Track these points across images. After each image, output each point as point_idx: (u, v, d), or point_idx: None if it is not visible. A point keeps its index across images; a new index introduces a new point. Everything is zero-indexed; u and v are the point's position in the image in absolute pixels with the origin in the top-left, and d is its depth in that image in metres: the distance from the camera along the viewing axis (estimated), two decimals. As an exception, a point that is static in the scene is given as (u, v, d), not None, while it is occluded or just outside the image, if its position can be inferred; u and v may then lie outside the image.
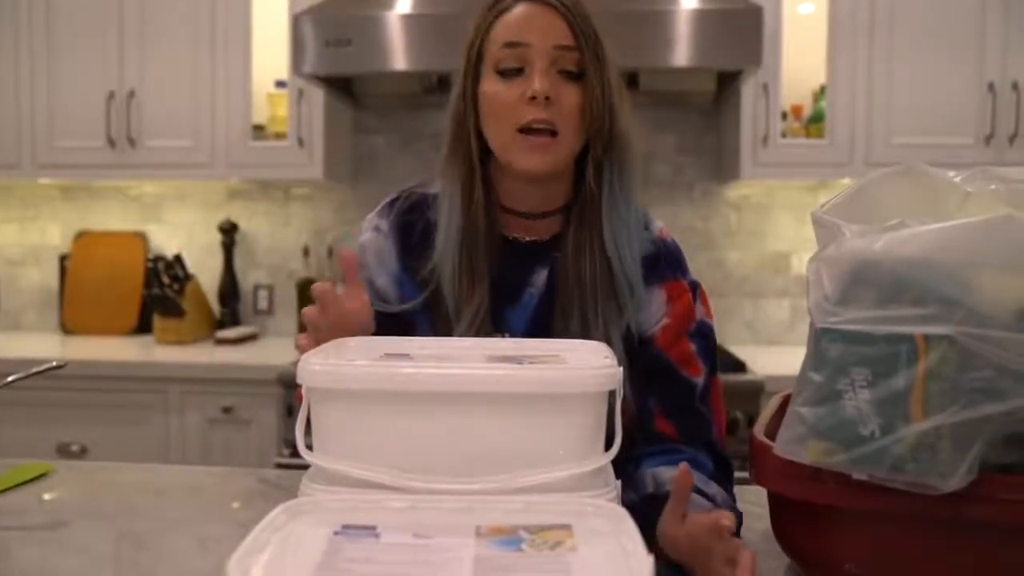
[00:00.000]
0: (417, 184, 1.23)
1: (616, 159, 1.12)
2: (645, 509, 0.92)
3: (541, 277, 1.14)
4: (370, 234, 1.19)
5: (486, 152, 1.14)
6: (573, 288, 1.10)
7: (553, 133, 1.08)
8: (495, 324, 1.11)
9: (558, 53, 1.08)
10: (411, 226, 1.17)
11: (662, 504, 0.94)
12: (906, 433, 0.70)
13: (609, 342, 1.06)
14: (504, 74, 1.09)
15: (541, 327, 1.12)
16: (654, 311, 1.13)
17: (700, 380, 1.12)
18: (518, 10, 1.09)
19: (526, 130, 1.07)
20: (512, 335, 1.11)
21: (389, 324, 1.12)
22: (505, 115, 1.08)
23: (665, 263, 1.16)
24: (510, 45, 1.08)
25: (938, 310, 0.70)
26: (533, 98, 1.06)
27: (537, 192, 1.15)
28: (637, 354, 1.12)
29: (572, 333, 1.08)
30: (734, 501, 1.06)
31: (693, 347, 1.13)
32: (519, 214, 1.16)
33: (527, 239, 1.17)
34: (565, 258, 1.12)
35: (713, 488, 1.01)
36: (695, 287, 1.17)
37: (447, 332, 1.10)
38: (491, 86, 1.10)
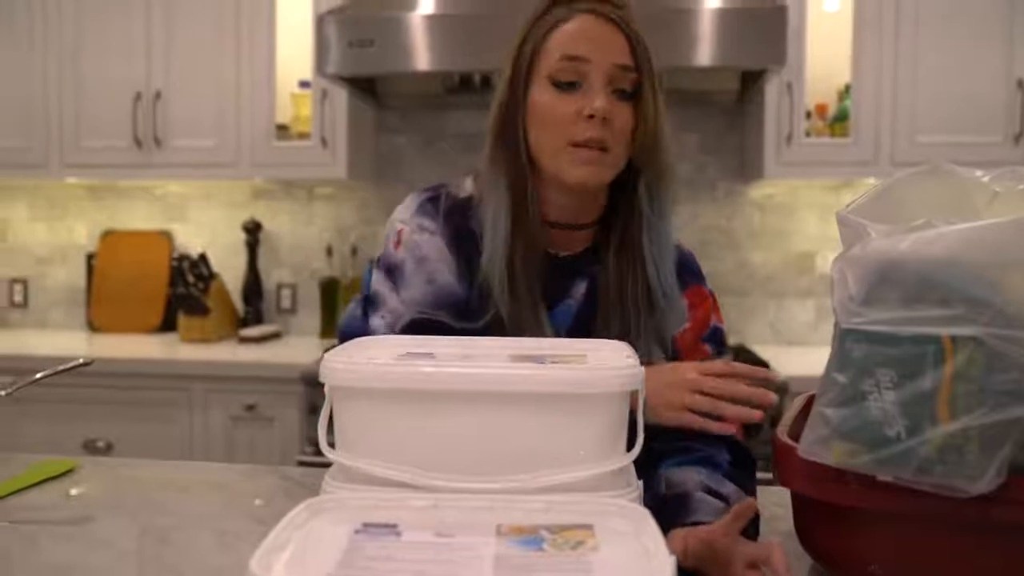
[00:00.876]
0: (442, 184, 1.19)
1: (661, 177, 1.13)
2: (656, 509, 0.92)
3: (580, 290, 1.14)
4: (423, 235, 1.14)
5: (531, 159, 1.12)
6: (615, 307, 1.11)
7: (604, 148, 1.07)
8: None
9: (616, 72, 1.07)
10: (462, 233, 1.14)
11: (672, 506, 0.94)
12: (933, 435, 0.69)
13: (649, 353, 1.09)
14: (559, 86, 1.08)
15: (579, 337, 1.11)
16: (679, 316, 1.15)
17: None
18: (579, 22, 1.08)
19: (577, 144, 1.07)
20: None
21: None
22: (559, 129, 1.07)
23: (687, 271, 1.18)
24: (569, 58, 1.07)
25: (965, 311, 0.69)
26: (591, 116, 1.06)
27: (573, 204, 1.14)
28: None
29: None
30: (754, 493, 1.05)
31: (709, 350, 1.15)
32: (553, 225, 1.14)
33: (563, 254, 1.16)
34: (606, 275, 1.13)
35: (728, 488, 1.00)
36: (712, 294, 1.20)
37: None
38: (545, 96, 1.08)
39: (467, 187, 1.18)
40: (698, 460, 1.04)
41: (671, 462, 1.04)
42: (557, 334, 1.12)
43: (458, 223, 1.14)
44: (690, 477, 1.00)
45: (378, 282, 1.15)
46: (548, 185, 1.12)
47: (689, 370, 1.01)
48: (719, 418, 1.00)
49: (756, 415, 0.98)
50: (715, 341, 1.16)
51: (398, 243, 1.15)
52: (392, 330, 1.11)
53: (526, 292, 1.09)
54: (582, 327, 1.13)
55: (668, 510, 0.94)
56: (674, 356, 1.13)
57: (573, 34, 1.07)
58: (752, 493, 1.05)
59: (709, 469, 1.02)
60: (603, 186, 1.12)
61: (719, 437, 1.06)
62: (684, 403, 0.99)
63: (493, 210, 1.11)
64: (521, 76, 1.10)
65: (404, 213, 1.17)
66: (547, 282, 1.12)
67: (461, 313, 1.10)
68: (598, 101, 1.05)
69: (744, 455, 1.08)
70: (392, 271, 1.14)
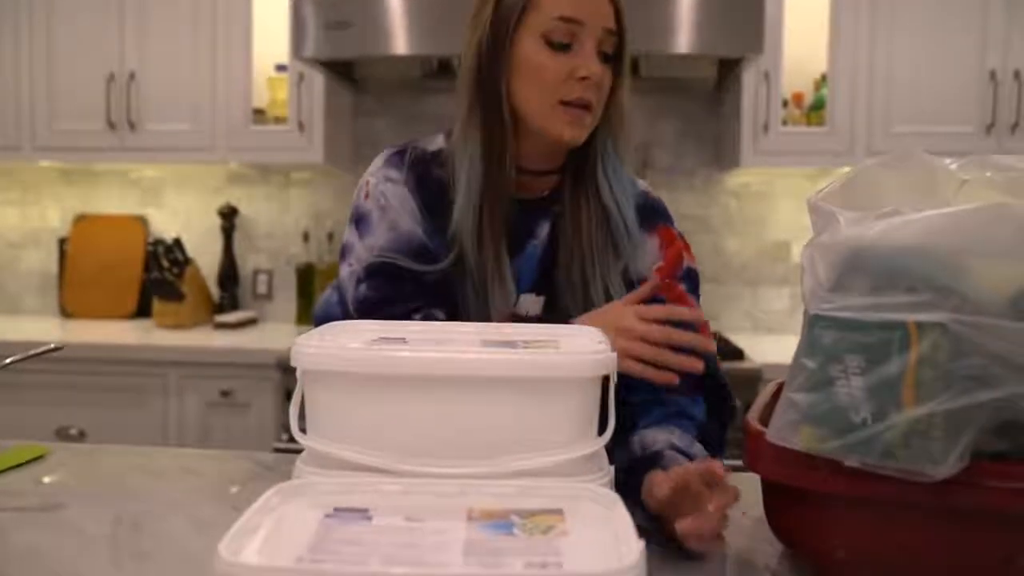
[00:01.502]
0: (411, 140, 1.24)
1: (613, 123, 1.17)
2: (632, 470, 0.96)
3: (544, 229, 1.19)
4: (387, 184, 1.18)
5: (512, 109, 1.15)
6: (572, 240, 1.16)
7: (588, 107, 1.12)
8: None
9: (603, 35, 1.12)
10: (426, 180, 1.18)
11: (644, 463, 0.97)
12: (898, 420, 0.70)
13: (608, 288, 1.13)
14: (553, 46, 1.10)
15: (543, 276, 1.18)
16: (649, 256, 1.19)
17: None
18: None
19: (567, 102, 1.11)
20: (518, 285, 1.16)
21: (434, 280, 1.13)
22: (551, 87, 1.10)
23: (655, 213, 1.23)
24: (565, 20, 1.10)
25: (931, 297, 0.70)
26: (585, 78, 1.09)
27: (546, 153, 1.18)
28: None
29: (574, 283, 1.14)
30: (722, 444, 1.11)
31: (684, 287, 1.18)
32: (524, 171, 1.18)
33: (529, 196, 1.20)
34: (565, 214, 1.17)
35: (695, 448, 1.04)
36: (682, 236, 1.23)
37: (474, 294, 1.13)
38: (537, 55, 1.11)
39: (438, 142, 1.22)
40: (672, 416, 1.08)
41: (646, 421, 1.08)
42: (522, 275, 1.17)
43: (423, 172, 1.19)
44: (661, 437, 1.03)
45: (349, 233, 1.20)
46: (526, 136, 1.16)
47: (628, 315, 1.02)
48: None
49: (698, 366, 1.00)
50: (690, 280, 1.19)
51: (367, 195, 1.19)
52: (356, 277, 1.15)
53: (491, 241, 1.13)
54: (546, 267, 1.17)
55: (641, 467, 0.97)
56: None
57: None
58: (721, 444, 1.10)
59: (681, 429, 1.06)
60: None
61: (696, 383, 1.09)
62: (624, 350, 0.99)
63: (469, 159, 1.14)
64: (508, 27, 1.11)
65: (373, 167, 1.22)
66: (514, 224, 1.17)
67: (420, 257, 1.14)
68: (593, 65, 1.10)
69: (719, 389, 1.12)
70: (360, 221, 1.19)
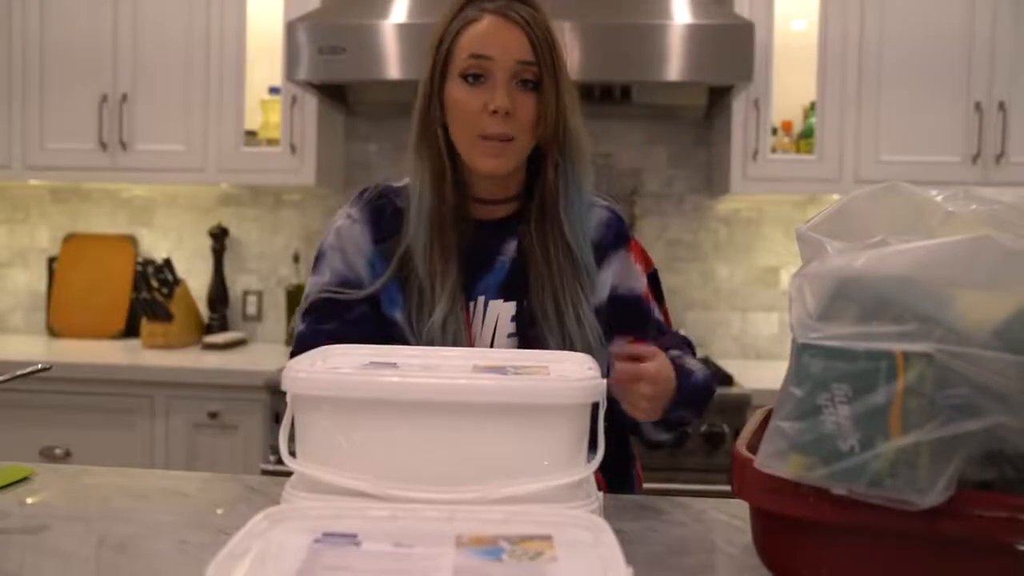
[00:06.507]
0: (384, 179, 1.34)
1: (569, 156, 1.24)
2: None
3: (511, 246, 1.27)
4: (344, 221, 1.30)
5: (451, 145, 1.24)
6: (544, 273, 1.22)
7: (509, 139, 1.18)
8: (468, 293, 1.22)
9: (519, 67, 1.19)
10: (381, 210, 1.29)
11: None
12: (885, 449, 0.71)
13: (579, 317, 1.20)
14: (467, 79, 1.19)
15: (512, 289, 1.24)
16: (636, 272, 1.30)
17: (654, 308, 1.32)
18: (485, 22, 1.20)
19: (486, 136, 1.18)
20: (486, 299, 1.24)
21: (361, 304, 1.24)
22: (468, 122, 1.20)
23: (625, 226, 1.32)
24: (475, 56, 1.19)
25: (917, 328, 0.71)
26: (494, 112, 1.17)
27: (494, 183, 1.27)
28: (618, 308, 1.26)
29: (547, 313, 1.21)
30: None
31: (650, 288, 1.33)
32: (478, 200, 1.27)
33: (490, 219, 1.28)
34: (531, 243, 1.24)
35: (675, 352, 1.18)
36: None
37: (418, 306, 1.21)
38: (456, 92, 1.20)
39: (406, 179, 1.31)
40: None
41: None
42: (490, 286, 1.24)
43: (383, 204, 1.30)
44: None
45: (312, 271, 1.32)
46: (467, 169, 1.24)
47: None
48: None
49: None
50: (655, 282, 1.33)
51: (329, 234, 1.32)
52: (301, 312, 1.28)
53: (440, 257, 1.21)
54: (516, 280, 1.24)
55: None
56: (642, 307, 1.29)
57: (480, 34, 1.19)
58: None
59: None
60: (512, 171, 1.23)
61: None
62: None
63: (419, 192, 1.24)
64: (437, 73, 1.22)
65: (340, 210, 1.34)
66: (479, 245, 1.25)
67: (356, 285, 1.26)
68: (499, 99, 1.17)
69: (683, 340, 1.30)
70: (316, 259, 1.32)
